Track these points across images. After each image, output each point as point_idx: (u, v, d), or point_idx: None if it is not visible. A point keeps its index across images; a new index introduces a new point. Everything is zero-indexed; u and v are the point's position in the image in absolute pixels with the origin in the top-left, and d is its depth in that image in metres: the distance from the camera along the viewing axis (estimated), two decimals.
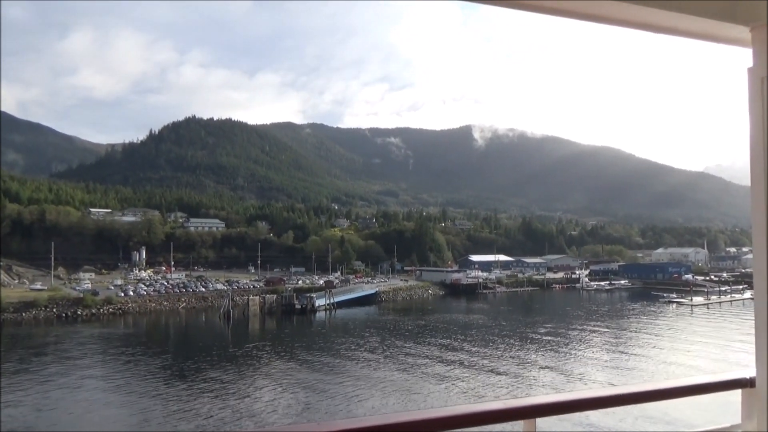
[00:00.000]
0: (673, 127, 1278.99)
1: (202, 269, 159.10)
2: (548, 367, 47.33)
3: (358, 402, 37.26)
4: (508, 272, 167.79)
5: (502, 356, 52.67)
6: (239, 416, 33.93)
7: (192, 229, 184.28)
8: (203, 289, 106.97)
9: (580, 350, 55.64)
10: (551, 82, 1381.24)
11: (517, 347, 57.67)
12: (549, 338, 63.08)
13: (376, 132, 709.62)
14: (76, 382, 43.22)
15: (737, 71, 2.69)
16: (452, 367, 47.99)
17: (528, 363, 49.13)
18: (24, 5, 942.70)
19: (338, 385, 41.91)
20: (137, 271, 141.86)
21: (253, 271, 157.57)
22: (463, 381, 42.85)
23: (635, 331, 68.77)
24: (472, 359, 51.00)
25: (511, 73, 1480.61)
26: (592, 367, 47.31)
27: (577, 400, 2.72)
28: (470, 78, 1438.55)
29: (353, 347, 58.63)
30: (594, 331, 68.44)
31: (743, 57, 2.62)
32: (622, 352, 54.25)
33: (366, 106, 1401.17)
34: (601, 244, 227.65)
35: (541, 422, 2.51)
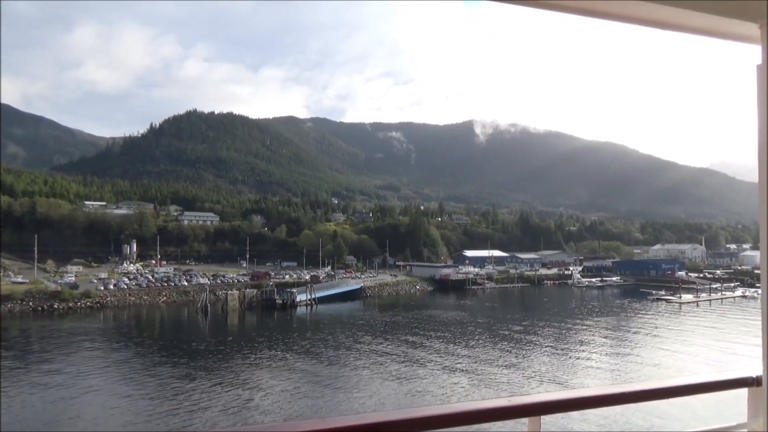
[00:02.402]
0: (677, 124, 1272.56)
1: (193, 263, 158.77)
2: (505, 366, 46.31)
3: (290, 402, 36.44)
4: (502, 268, 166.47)
5: (455, 354, 51.67)
6: (166, 414, 33.17)
7: (185, 222, 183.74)
8: (185, 283, 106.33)
9: (543, 351, 54.46)
10: (555, 77, 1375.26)
11: (481, 345, 56.65)
12: (518, 336, 62.06)
13: (377, 126, 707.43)
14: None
15: (746, 68, 2.66)
16: (409, 366, 47.06)
17: (485, 362, 48.11)
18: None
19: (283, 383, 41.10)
20: (126, 265, 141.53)
21: (244, 265, 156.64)
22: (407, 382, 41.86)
23: (612, 329, 67.59)
24: (427, 359, 50.03)
25: (515, 69, 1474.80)
26: (552, 369, 46.26)
27: (583, 398, 2.68)
28: (473, 73, 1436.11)
29: (318, 344, 57.84)
30: (569, 329, 67.30)
31: (752, 54, 2.58)
32: (588, 355, 53.10)
33: (369, 101, 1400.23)
34: (598, 240, 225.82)
35: (546, 419, 2.48)
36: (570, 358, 49.99)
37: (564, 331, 65.66)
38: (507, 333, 64.51)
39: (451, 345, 56.57)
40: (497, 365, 46.67)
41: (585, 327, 69.11)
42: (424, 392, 38.29)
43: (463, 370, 44.74)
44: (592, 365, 46.90)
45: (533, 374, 43.42)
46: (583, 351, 53.22)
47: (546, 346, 55.60)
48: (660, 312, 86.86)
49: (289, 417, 33.97)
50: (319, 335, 64.00)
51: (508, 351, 53.21)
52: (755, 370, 2.80)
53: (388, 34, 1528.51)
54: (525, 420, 2.49)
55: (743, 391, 2.89)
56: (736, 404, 3.15)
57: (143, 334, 65.41)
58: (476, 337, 61.40)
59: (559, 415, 2.13)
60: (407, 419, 2.18)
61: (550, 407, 2.52)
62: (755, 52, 2.58)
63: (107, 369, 45.69)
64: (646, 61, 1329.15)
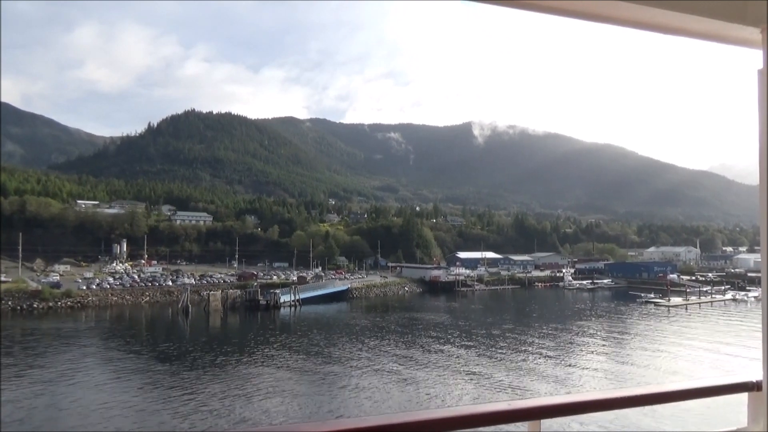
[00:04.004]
0: (677, 127, 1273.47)
1: (184, 263, 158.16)
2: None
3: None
4: (495, 270, 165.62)
5: (421, 358, 50.98)
6: (116, 416, 32.55)
7: (178, 222, 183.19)
8: (170, 283, 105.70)
9: (510, 355, 53.73)
10: (555, 79, 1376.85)
11: (452, 348, 55.95)
12: (493, 340, 61.40)
13: (376, 127, 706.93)
14: None
15: (747, 72, 2.69)
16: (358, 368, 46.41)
17: (449, 367, 47.42)
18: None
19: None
20: (116, 264, 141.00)
21: (236, 265, 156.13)
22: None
23: (586, 334, 66.86)
24: (392, 363, 49.37)
25: (514, 71, 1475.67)
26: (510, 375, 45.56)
27: (583, 402, 2.65)
28: (473, 75, 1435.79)
29: (289, 346, 57.21)
30: (547, 333, 66.59)
31: (753, 58, 2.61)
32: (550, 363, 52.37)
33: (370, 101, 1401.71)
34: (593, 242, 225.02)
35: (546, 423, 2.47)
36: (531, 365, 49.22)
37: (540, 335, 64.93)
38: (482, 335, 63.84)
39: (422, 349, 55.86)
40: (460, 371, 45.95)
41: (562, 331, 68.29)
42: (378, 398, 37.63)
43: (421, 375, 44.07)
44: (550, 373, 46.02)
45: (495, 381, 42.74)
46: (550, 356, 52.42)
47: (517, 351, 54.87)
48: (645, 315, 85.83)
49: (244, 420, 33.36)
50: (293, 337, 63.37)
51: (477, 356, 52.48)
52: (755, 374, 2.77)
53: (388, 35, 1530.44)
54: (525, 424, 2.46)
55: (743, 396, 2.85)
56: (736, 408, 3.12)
57: (117, 335, 64.68)
58: (450, 341, 60.63)
59: (558, 419, 2.16)
60: (408, 422, 2.17)
61: (549, 411, 2.50)
62: (756, 56, 2.59)
63: (67, 370, 45.02)
64: (646, 64, 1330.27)
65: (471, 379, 42.39)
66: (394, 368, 45.94)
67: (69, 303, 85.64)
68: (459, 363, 48.24)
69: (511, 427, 2.62)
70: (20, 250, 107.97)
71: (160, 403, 36.12)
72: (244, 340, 60.86)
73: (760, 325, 2.70)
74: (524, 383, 41.11)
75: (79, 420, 32.44)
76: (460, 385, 40.80)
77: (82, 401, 36.03)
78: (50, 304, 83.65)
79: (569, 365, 47.82)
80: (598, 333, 66.76)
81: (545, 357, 51.20)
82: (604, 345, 58.50)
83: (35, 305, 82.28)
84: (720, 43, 2.63)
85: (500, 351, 54.14)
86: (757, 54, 2.58)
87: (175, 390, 39.16)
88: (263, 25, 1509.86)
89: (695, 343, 57.80)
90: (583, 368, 46.67)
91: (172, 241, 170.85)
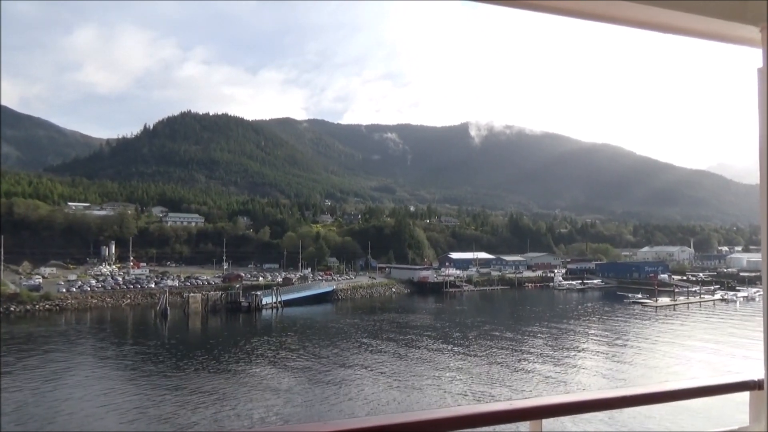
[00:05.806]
0: (676, 126, 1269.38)
1: (173, 264, 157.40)
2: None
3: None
4: (486, 270, 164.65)
5: (388, 359, 50.16)
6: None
7: (169, 224, 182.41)
8: (153, 286, 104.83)
9: (484, 360, 52.93)
10: (553, 79, 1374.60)
11: (425, 350, 55.13)
12: (469, 342, 60.60)
13: (373, 128, 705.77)
14: None
15: (746, 71, 2.68)
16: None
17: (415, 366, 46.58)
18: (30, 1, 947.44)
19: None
20: (103, 266, 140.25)
21: (226, 267, 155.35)
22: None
23: (570, 335, 66.09)
24: (360, 365, 48.58)
25: (512, 71, 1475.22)
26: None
27: (584, 401, 2.65)
28: (471, 75, 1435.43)
29: (258, 348, 56.39)
30: (532, 335, 65.80)
31: (753, 57, 2.61)
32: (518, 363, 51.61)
33: (368, 102, 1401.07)
34: (587, 242, 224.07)
35: (548, 423, 2.46)
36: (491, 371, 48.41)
37: (518, 335, 64.12)
38: (459, 337, 63.01)
39: (391, 350, 55.04)
40: (420, 374, 45.16)
41: (540, 332, 67.51)
42: (332, 400, 36.85)
43: (388, 373, 43.28)
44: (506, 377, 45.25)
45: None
46: (522, 361, 51.63)
47: (488, 353, 54.08)
48: (630, 316, 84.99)
49: (192, 424, 32.60)
50: (266, 338, 62.51)
51: (451, 357, 51.69)
52: (757, 373, 2.78)
53: (387, 36, 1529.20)
54: (526, 423, 2.46)
55: (744, 395, 2.85)
56: (737, 408, 3.13)
57: (90, 337, 63.88)
58: (424, 342, 59.81)
59: (558, 419, 2.11)
60: (408, 422, 2.17)
61: (551, 411, 2.50)
62: (756, 55, 2.59)
63: (23, 374, 44.28)
64: (645, 63, 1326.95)
65: (432, 382, 41.60)
66: (364, 368, 45.15)
67: (47, 306, 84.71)
68: (428, 364, 47.44)
69: (512, 427, 2.60)
70: (2, 252, 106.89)
71: (112, 406, 35.38)
72: (217, 343, 59.95)
73: (758, 326, 2.63)
74: (480, 388, 40.34)
75: (17, 427, 31.66)
76: (422, 386, 40.02)
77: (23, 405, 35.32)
78: (28, 307, 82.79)
79: (543, 369, 47.05)
80: (578, 335, 65.95)
81: (518, 356, 50.42)
82: (578, 348, 57.65)
83: (12, 308, 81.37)
84: (719, 42, 2.62)
85: (470, 355, 53.33)
86: (757, 53, 2.57)
87: (132, 393, 38.42)
88: (262, 27, 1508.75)
89: (667, 347, 57.04)
90: (554, 368, 45.92)
91: (163, 243, 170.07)
